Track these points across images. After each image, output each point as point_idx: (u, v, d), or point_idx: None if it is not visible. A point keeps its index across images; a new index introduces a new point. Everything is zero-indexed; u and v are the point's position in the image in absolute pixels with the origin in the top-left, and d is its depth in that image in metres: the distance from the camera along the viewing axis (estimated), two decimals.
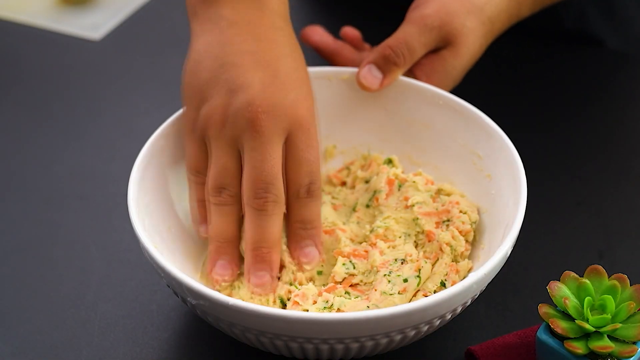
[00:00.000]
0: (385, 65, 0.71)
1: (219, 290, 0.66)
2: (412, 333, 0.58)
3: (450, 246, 0.66)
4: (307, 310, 0.62)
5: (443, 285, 0.65)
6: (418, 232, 0.68)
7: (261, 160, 0.61)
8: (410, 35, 0.72)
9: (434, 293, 0.63)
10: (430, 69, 0.73)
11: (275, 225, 0.62)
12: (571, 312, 0.58)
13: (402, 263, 0.65)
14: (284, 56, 0.65)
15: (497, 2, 0.74)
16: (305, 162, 0.63)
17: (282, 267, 0.66)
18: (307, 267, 0.65)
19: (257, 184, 0.61)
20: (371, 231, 0.69)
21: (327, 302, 0.63)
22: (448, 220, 0.69)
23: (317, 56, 0.82)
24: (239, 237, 0.65)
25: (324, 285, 0.66)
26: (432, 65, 0.73)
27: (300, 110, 0.63)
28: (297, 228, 0.64)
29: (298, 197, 0.64)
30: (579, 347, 0.57)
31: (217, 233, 0.64)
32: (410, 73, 0.75)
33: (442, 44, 0.73)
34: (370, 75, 0.71)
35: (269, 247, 0.62)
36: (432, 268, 0.66)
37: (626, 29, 0.99)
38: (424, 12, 0.72)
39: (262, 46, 0.64)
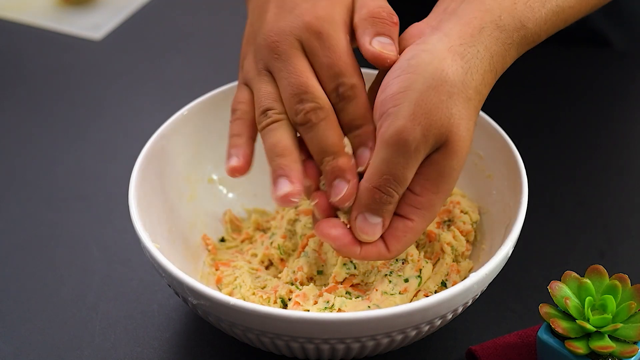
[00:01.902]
0: (380, 208, 0.58)
1: (220, 289, 0.67)
2: (413, 333, 0.58)
3: (452, 246, 0.66)
4: (308, 311, 0.62)
5: (444, 285, 0.65)
6: None
7: (287, 76, 0.60)
8: (396, 164, 0.56)
9: (435, 293, 0.63)
10: (425, 179, 0.58)
11: (328, 131, 0.59)
12: (572, 312, 0.58)
13: (403, 263, 0.65)
14: None
15: (477, 65, 0.59)
16: (325, 67, 0.60)
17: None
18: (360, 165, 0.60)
19: (292, 99, 0.59)
20: None
21: (328, 302, 0.63)
22: (449, 220, 0.69)
23: None
24: (295, 149, 0.60)
25: (324, 285, 0.66)
26: (425, 175, 0.58)
27: (305, 18, 0.60)
28: (347, 133, 0.60)
29: (335, 104, 0.60)
30: (579, 347, 0.57)
31: (269, 149, 0.60)
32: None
33: (432, 150, 0.58)
34: (368, 224, 0.58)
35: (334, 154, 0.59)
36: (433, 268, 0.66)
37: (632, 26, 0.98)
38: (400, 125, 0.56)
39: None
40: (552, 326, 0.58)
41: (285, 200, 0.58)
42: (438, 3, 0.63)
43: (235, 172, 0.61)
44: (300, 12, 0.61)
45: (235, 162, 0.61)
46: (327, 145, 0.59)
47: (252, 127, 0.63)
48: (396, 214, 0.59)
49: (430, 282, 0.65)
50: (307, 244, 0.68)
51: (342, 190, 0.58)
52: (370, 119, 0.59)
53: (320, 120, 0.59)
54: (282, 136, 0.60)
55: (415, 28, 0.61)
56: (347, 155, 0.59)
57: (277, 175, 0.59)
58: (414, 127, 0.56)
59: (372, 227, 0.58)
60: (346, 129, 0.60)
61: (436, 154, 0.57)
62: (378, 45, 0.60)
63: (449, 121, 0.56)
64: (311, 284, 0.65)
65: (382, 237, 0.59)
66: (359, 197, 0.58)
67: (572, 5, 0.65)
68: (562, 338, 0.59)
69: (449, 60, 0.57)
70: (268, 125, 0.60)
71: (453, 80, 0.57)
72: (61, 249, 0.76)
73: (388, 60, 0.59)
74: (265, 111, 0.61)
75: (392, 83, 0.58)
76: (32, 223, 0.79)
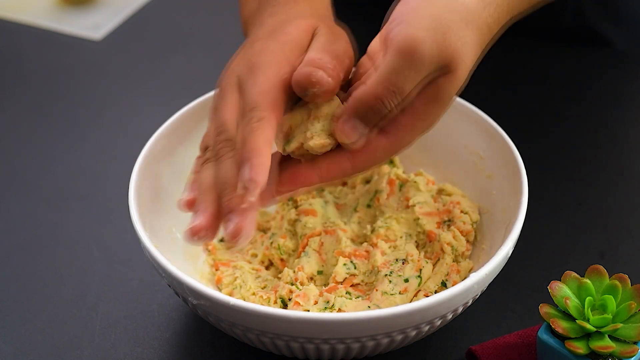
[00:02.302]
0: (371, 118, 0.56)
1: (220, 289, 0.67)
2: (413, 333, 0.58)
3: (452, 246, 0.66)
4: (308, 311, 0.62)
5: (444, 285, 0.65)
6: (419, 232, 0.68)
7: (217, 114, 0.59)
8: (401, 74, 0.54)
9: (435, 293, 0.63)
10: (419, 99, 0.57)
11: (230, 165, 0.56)
12: (572, 312, 0.58)
13: (403, 263, 0.65)
14: (260, 25, 0.63)
15: (496, 1, 0.59)
16: (245, 102, 0.58)
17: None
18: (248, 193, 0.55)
19: (213, 134, 0.59)
20: (372, 231, 0.69)
21: (328, 302, 0.63)
22: (449, 221, 0.69)
23: None
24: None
25: (325, 285, 0.66)
26: (421, 96, 0.57)
27: (250, 57, 0.59)
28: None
29: (242, 136, 0.57)
30: (579, 347, 0.57)
31: (198, 186, 0.58)
32: None
33: (438, 73, 0.56)
34: (354, 131, 0.57)
35: (230, 189, 0.56)
36: (433, 268, 0.66)
37: (631, 26, 0.98)
38: (413, 34, 0.54)
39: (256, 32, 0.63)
40: (552, 326, 0.58)
41: (190, 235, 0.56)
42: None
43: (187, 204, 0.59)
44: (252, 52, 0.60)
45: (197, 223, 0.57)
46: (226, 179, 0.56)
47: None
48: None
49: (430, 282, 0.65)
50: (307, 244, 0.68)
51: (228, 227, 0.55)
52: (264, 152, 0.56)
53: (226, 153, 0.57)
54: (210, 175, 0.58)
55: None
56: (242, 192, 0.56)
57: (195, 210, 0.58)
58: (428, 41, 0.54)
59: (356, 134, 0.57)
60: (243, 151, 0.56)
61: (440, 77, 0.56)
62: (306, 69, 0.57)
63: (460, 47, 0.55)
64: (311, 284, 0.65)
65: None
66: (355, 101, 0.56)
67: None
68: (562, 338, 0.59)
69: None
70: (202, 164, 0.59)
71: (470, 7, 0.56)
72: (61, 249, 0.76)
73: (314, 79, 0.56)
74: (203, 151, 0.60)
75: None
76: (32, 223, 0.79)
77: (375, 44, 0.62)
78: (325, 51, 0.59)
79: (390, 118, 0.57)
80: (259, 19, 0.64)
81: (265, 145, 0.56)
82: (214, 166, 0.58)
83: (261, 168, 0.55)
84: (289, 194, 0.60)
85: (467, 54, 0.56)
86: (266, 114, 0.57)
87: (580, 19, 0.96)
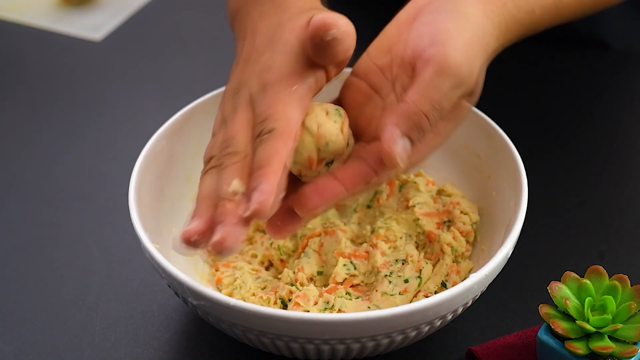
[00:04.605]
0: (414, 136, 0.57)
1: (220, 290, 0.67)
2: (413, 334, 0.58)
3: (451, 247, 0.66)
4: (308, 311, 0.62)
5: (444, 285, 0.65)
6: (419, 232, 0.68)
7: (228, 127, 0.59)
8: (442, 91, 0.56)
9: (435, 294, 0.63)
10: (443, 119, 0.59)
11: (231, 175, 0.56)
12: (572, 312, 0.58)
13: (403, 264, 0.65)
14: (260, 34, 0.63)
15: (497, 35, 0.61)
16: (257, 116, 0.58)
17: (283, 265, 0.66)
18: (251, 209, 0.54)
19: (220, 147, 0.59)
20: (372, 232, 0.69)
21: (328, 302, 0.63)
22: (449, 221, 0.69)
23: None
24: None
25: (324, 286, 0.66)
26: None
27: (260, 72, 0.59)
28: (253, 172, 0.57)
29: (254, 149, 0.58)
30: (579, 348, 0.57)
31: (197, 194, 0.58)
32: None
33: (466, 95, 0.59)
34: (404, 149, 0.56)
35: (227, 199, 0.56)
36: (433, 269, 0.66)
37: (621, 29, 0.98)
38: (454, 57, 0.56)
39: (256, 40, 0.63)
40: (552, 327, 0.58)
41: (183, 239, 0.55)
42: None
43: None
44: (260, 68, 0.60)
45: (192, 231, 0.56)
46: (225, 187, 0.56)
47: None
48: None
49: (430, 283, 0.65)
50: (307, 245, 0.68)
51: (216, 236, 0.54)
52: (273, 175, 0.55)
53: (230, 164, 0.57)
54: (211, 183, 0.57)
55: None
56: (236, 202, 0.55)
57: (193, 215, 0.57)
58: (466, 65, 0.56)
59: (405, 153, 0.56)
60: (254, 168, 0.56)
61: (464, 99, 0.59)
62: (319, 17, 0.57)
63: (480, 73, 0.58)
64: (311, 285, 0.65)
65: None
66: (400, 118, 0.56)
67: (570, 3, 0.68)
68: (562, 339, 0.59)
69: (486, 21, 0.59)
70: (204, 172, 0.59)
71: (488, 41, 0.59)
72: (61, 249, 0.76)
73: (330, 20, 0.56)
74: (207, 162, 0.59)
75: (440, 19, 0.58)
76: (32, 223, 0.79)
77: (366, 63, 0.63)
78: None
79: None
80: (250, 21, 0.64)
81: (276, 155, 0.55)
82: (216, 174, 0.57)
83: (269, 195, 0.54)
84: (311, 216, 0.59)
85: (482, 81, 0.60)
86: (278, 126, 0.57)
87: (572, 30, 0.96)
